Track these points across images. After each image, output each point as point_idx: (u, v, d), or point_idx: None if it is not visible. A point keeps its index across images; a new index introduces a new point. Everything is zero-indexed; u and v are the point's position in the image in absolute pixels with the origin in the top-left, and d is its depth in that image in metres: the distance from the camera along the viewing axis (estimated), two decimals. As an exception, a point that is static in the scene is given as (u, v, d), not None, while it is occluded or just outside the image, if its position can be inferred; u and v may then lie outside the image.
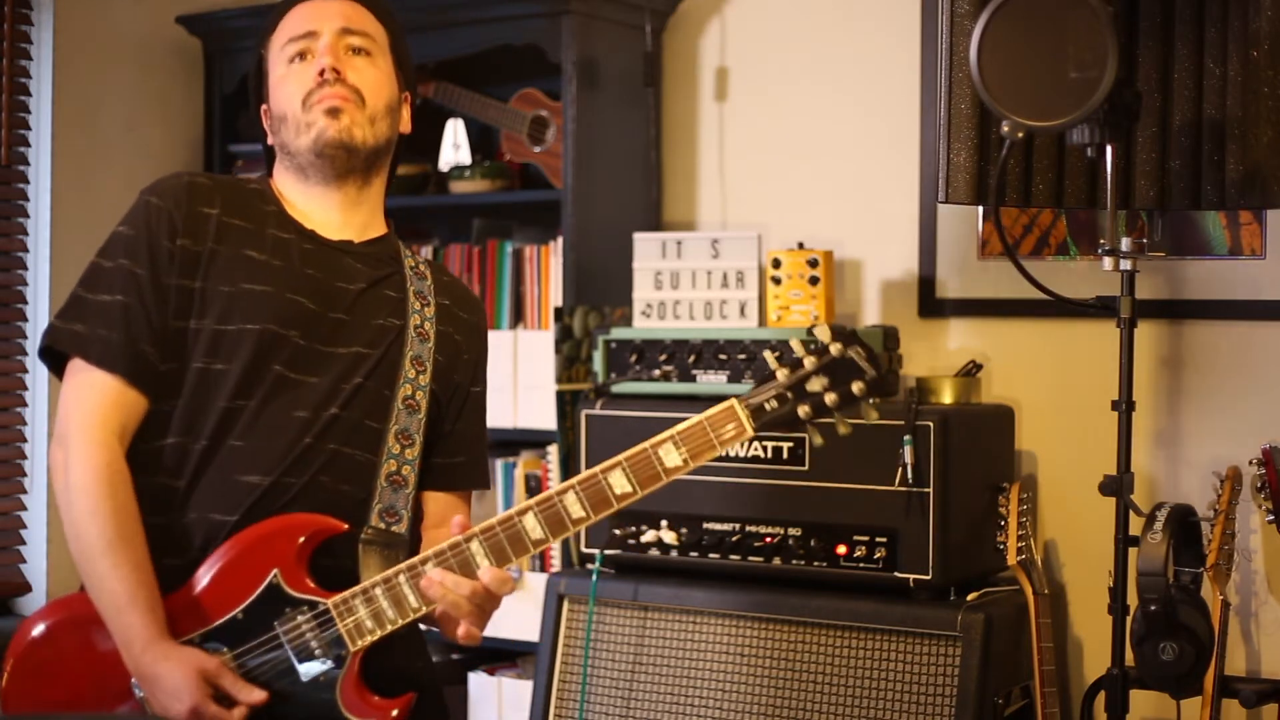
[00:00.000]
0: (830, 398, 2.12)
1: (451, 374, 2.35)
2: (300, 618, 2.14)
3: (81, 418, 2.15)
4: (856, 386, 2.12)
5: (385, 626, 2.14)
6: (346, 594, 2.14)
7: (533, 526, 2.12)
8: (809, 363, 2.13)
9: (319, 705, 2.13)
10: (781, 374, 2.13)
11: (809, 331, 2.14)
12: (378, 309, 2.29)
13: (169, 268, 2.20)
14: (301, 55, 2.28)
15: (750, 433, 2.12)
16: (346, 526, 2.19)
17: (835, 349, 2.12)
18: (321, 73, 2.26)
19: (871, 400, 2.13)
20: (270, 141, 2.35)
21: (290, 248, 2.26)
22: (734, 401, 2.13)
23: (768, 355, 2.16)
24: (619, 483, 2.13)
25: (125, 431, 2.17)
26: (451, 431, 2.37)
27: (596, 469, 2.14)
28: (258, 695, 2.11)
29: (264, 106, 2.37)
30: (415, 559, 2.15)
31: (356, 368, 2.24)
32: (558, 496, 2.13)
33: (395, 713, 2.14)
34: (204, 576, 2.16)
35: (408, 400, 2.28)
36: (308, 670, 2.13)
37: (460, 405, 2.37)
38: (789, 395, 2.12)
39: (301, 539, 2.16)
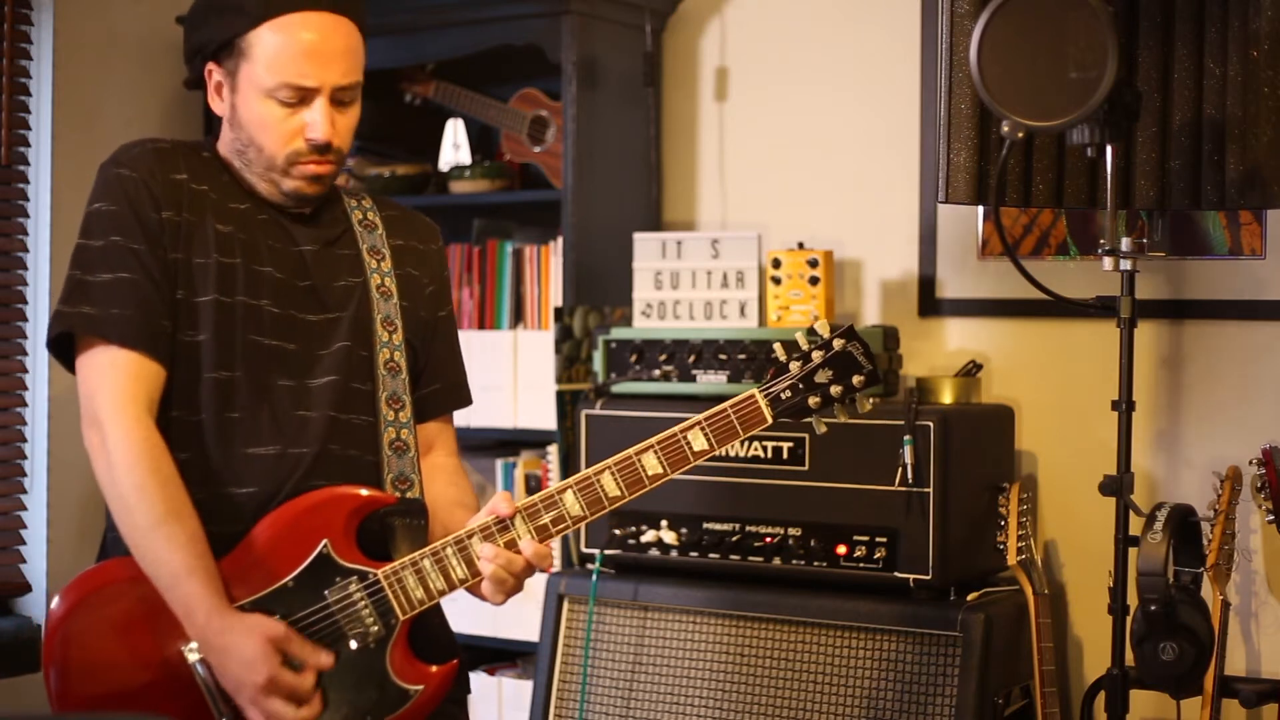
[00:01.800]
0: (835, 389, 2.27)
1: (418, 312, 2.41)
2: (352, 587, 2.21)
3: (111, 397, 2.17)
4: (857, 379, 2.28)
5: (433, 596, 2.23)
6: (395, 564, 2.22)
7: (572, 503, 2.24)
8: (816, 356, 2.27)
9: (370, 671, 2.20)
10: (794, 366, 2.27)
11: (810, 329, 2.30)
12: (337, 270, 2.34)
13: (159, 240, 2.22)
14: (291, 102, 2.25)
15: (769, 420, 2.26)
16: (396, 498, 2.28)
17: (838, 344, 2.27)
18: (311, 140, 2.25)
19: (868, 392, 2.30)
20: (215, 108, 2.32)
21: (248, 218, 2.29)
22: (754, 390, 2.26)
23: (777, 347, 2.28)
24: (652, 464, 2.25)
25: (153, 405, 2.20)
26: (426, 362, 2.44)
27: (630, 451, 2.25)
28: (326, 658, 2.19)
29: (210, 66, 2.30)
30: (461, 532, 2.23)
31: (333, 332, 2.30)
32: (595, 475, 2.25)
33: (443, 677, 2.25)
34: (252, 544, 2.21)
35: (388, 364, 2.34)
36: (358, 637, 2.21)
37: (430, 337, 2.44)
38: (800, 386, 2.27)
39: (351, 510, 2.23)
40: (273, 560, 2.20)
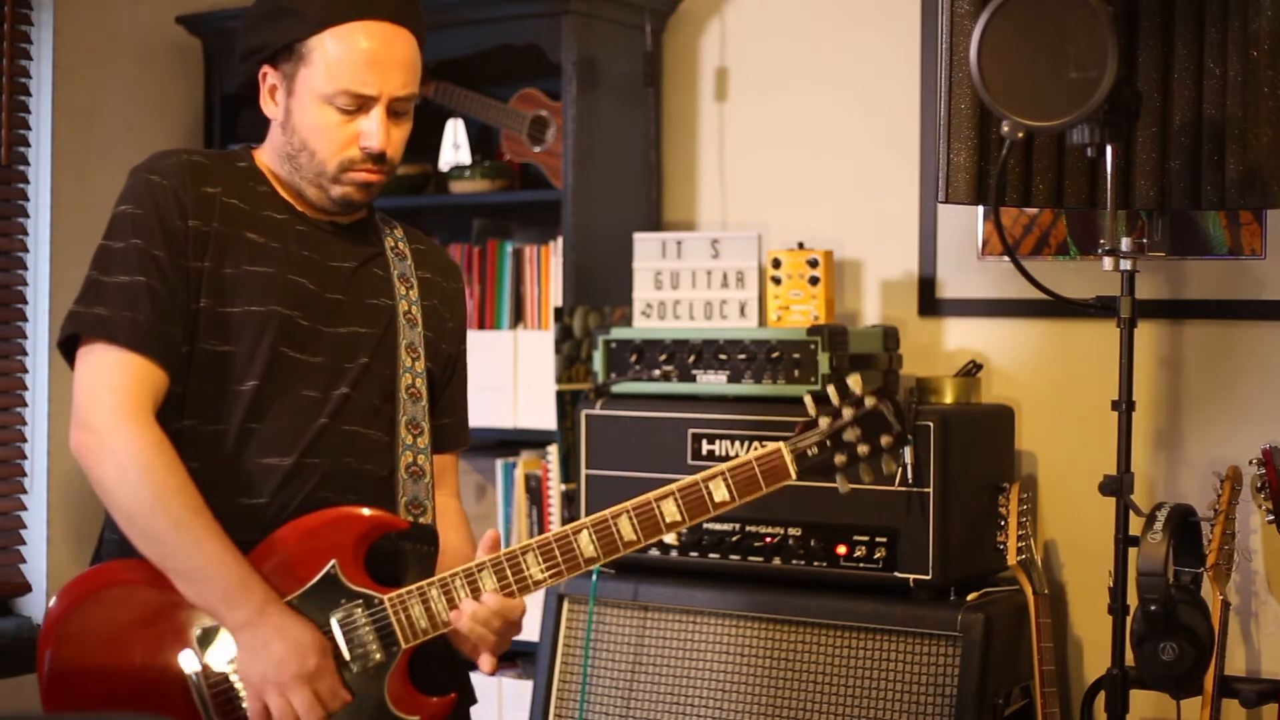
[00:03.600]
0: (863, 449, 2.25)
1: (440, 345, 2.41)
2: (357, 610, 2.19)
3: (116, 399, 2.13)
4: (885, 440, 2.26)
5: (438, 626, 2.20)
6: (402, 591, 2.20)
7: (586, 544, 2.22)
8: (846, 413, 2.25)
9: (367, 697, 2.18)
10: (824, 422, 2.25)
11: (843, 383, 2.27)
12: (370, 288, 2.32)
13: (184, 248, 2.20)
14: (350, 110, 2.22)
15: (793, 476, 2.24)
16: (408, 524, 2.25)
17: (869, 402, 2.26)
18: (366, 149, 2.23)
19: (896, 452, 2.28)
20: (267, 111, 2.30)
21: (284, 229, 2.27)
22: (781, 445, 2.24)
23: (808, 401, 2.26)
24: (670, 511, 2.23)
25: (155, 409, 2.18)
26: (441, 396, 2.43)
27: (650, 496, 2.23)
28: (347, 697, 2.17)
29: (264, 69, 2.28)
30: (472, 564, 2.21)
31: (358, 347, 2.29)
32: (612, 519, 2.22)
33: (440, 710, 2.23)
34: (261, 558, 2.18)
35: (410, 389, 2.33)
36: (358, 662, 2.18)
37: (451, 372, 2.44)
38: (828, 443, 2.25)
39: (361, 533, 2.21)
40: (280, 576, 2.17)
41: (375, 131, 2.23)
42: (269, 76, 2.28)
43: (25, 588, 3.91)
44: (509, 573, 2.20)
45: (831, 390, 2.26)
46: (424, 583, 2.20)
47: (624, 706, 3.33)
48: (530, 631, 3.53)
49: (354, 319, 2.29)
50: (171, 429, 2.19)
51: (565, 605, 3.43)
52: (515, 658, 3.85)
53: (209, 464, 2.20)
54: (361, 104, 2.22)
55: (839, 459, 2.25)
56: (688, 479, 2.24)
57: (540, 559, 2.20)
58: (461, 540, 2.40)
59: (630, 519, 2.22)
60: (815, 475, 2.26)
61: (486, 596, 2.19)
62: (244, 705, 2.16)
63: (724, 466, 2.24)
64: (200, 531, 2.13)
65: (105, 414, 2.13)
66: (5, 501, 3.91)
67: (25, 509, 3.92)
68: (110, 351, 2.15)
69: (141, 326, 2.15)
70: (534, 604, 3.55)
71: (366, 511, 2.22)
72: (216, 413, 2.21)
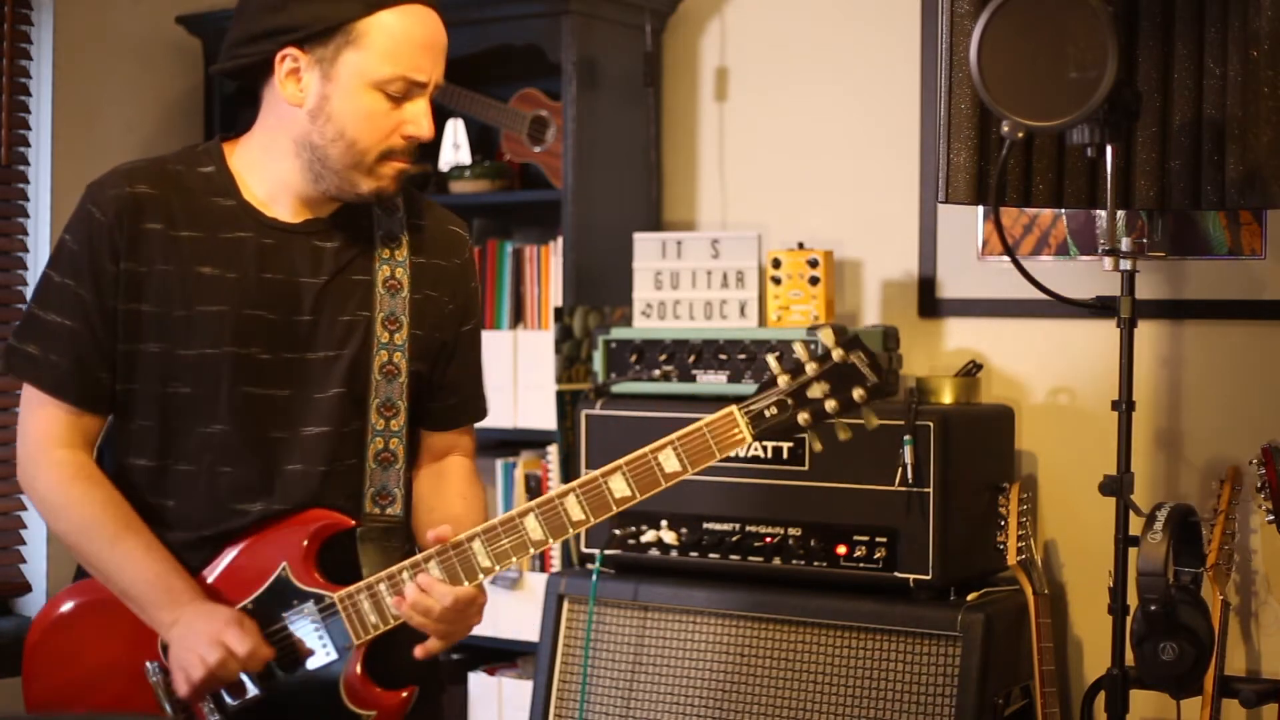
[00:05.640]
0: (830, 404, 2.10)
1: (435, 335, 2.29)
2: (308, 610, 2.17)
3: (39, 441, 2.18)
4: (857, 393, 2.10)
5: (388, 621, 2.17)
6: (351, 588, 2.17)
7: (533, 528, 2.14)
8: (810, 369, 2.10)
9: (323, 696, 2.17)
10: (783, 380, 2.11)
11: (810, 332, 2.13)
12: (345, 302, 2.21)
13: (113, 291, 2.16)
14: (397, 96, 2.14)
15: (749, 440, 2.12)
16: (355, 522, 2.22)
17: (837, 355, 2.10)
18: (413, 138, 2.17)
19: (873, 404, 2.12)
20: (288, 95, 2.15)
21: (245, 250, 2.17)
22: (734, 408, 2.12)
23: (770, 359, 2.13)
24: (619, 487, 2.14)
25: (87, 446, 2.21)
26: (443, 380, 2.33)
27: (597, 473, 2.15)
28: (267, 653, 2.14)
29: (287, 51, 2.14)
30: (420, 555, 2.17)
31: (329, 374, 2.20)
32: (558, 499, 2.14)
33: (398, 704, 2.19)
34: (215, 570, 2.19)
35: (385, 367, 2.23)
36: (313, 661, 2.17)
37: (449, 355, 2.33)
38: (789, 402, 2.11)
39: (310, 532, 2.19)
40: (234, 584, 2.17)
41: (425, 120, 2.16)
42: (291, 59, 2.14)
43: (25, 588, 3.91)
44: (455, 561, 2.14)
45: (799, 346, 2.12)
46: (373, 578, 2.17)
47: (624, 706, 3.33)
48: (530, 631, 3.54)
49: (324, 342, 2.20)
50: (143, 465, 2.20)
51: (565, 605, 3.42)
52: (515, 658, 3.85)
53: (184, 503, 2.20)
54: (409, 90, 2.14)
55: (802, 417, 2.09)
56: (636, 452, 2.14)
57: (486, 545, 2.14)
58: (467, 509, 2.31)
59: (577, 498, 2.13)
60: (780, 436, 2.15)
61: (424, 580, 2.12)
62: (205, 705, 2.15)
63: (674, 436, 2.13)
64: (125, 546, 2.14)
65: (27, 456, 2.20)
66: (5, 501, 3.91)
67: (25, 509, 3.92)
68: (35, 394, 2.19)
69: (61, 371, 2.17)
70: (534, 604, 3.55)
71: (312, 514, 2.19)
72: (187, 453, 2.19)
